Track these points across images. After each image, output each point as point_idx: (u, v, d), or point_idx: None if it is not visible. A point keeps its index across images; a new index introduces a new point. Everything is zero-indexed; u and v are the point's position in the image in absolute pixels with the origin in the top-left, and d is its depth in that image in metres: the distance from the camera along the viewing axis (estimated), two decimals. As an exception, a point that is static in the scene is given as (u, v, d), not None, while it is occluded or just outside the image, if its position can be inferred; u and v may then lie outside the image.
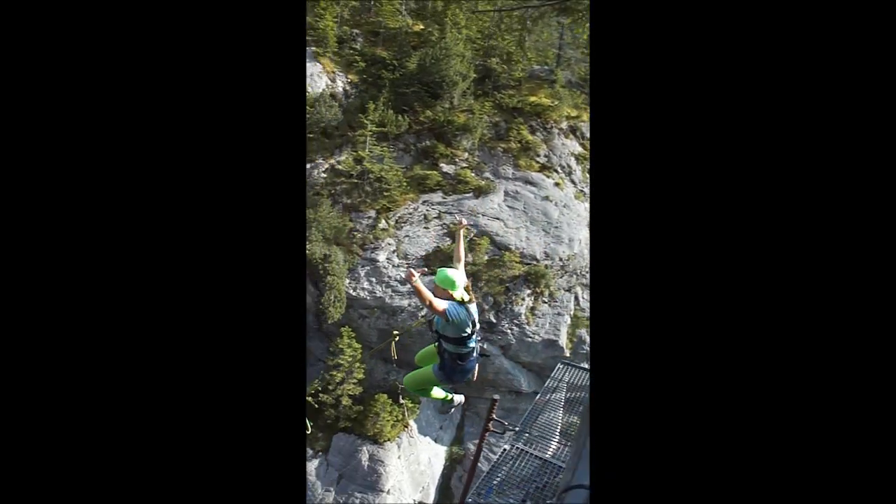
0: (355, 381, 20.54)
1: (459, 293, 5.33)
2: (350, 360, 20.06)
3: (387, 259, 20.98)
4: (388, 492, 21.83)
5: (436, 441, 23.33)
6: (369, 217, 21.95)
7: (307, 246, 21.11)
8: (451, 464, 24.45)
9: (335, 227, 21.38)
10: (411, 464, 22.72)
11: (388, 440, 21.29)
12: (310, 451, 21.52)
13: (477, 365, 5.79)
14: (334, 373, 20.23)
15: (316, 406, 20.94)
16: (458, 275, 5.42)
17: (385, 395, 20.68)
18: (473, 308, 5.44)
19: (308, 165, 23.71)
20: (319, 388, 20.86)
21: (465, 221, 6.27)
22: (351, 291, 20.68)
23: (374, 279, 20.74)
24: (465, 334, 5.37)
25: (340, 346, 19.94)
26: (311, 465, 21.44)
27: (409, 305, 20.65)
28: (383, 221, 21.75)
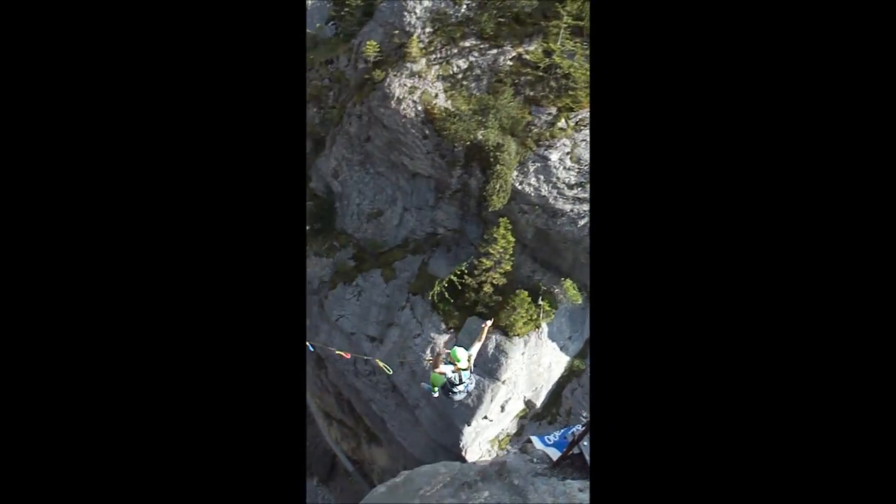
0: (502, 272, 20.95)
1: (461, 363, 8.40)
2: (501, 251, 20.37)
3: (559, 160, 20.51)
4: (503, 382, 22.77)
5: (561, 349, 23.68)
6: (549, 114, 21.32)
7: (482, 131, 21.09)
8: (569, 374, 24.87)
9: (513, 118, 21.04)
10: (532, 363, 23.36)
11: (518, 335, 21.86)
12: (443, 326, 22.72)
13: (466, 393, 8.98)
14: (483, 260, 20.73)
15: (459, 287, 21.79)
16: (463, 353, 8.47)
17: (526, 293, 20.99)
18: (466, 375, 8.56)
19: (494, 51, 23.18)
20: (465, 271, 21.59)
21: (489, 323, 9.31)
22: (517, 185, 20.62)
23: (542, 177, 20.47)
24: (451, 386, 8.59)
25: (495, 235, 20.24)
26: (442, 339, 22.68)
27: (571, 211, 20.32)
28: (563, 120, 21.07)
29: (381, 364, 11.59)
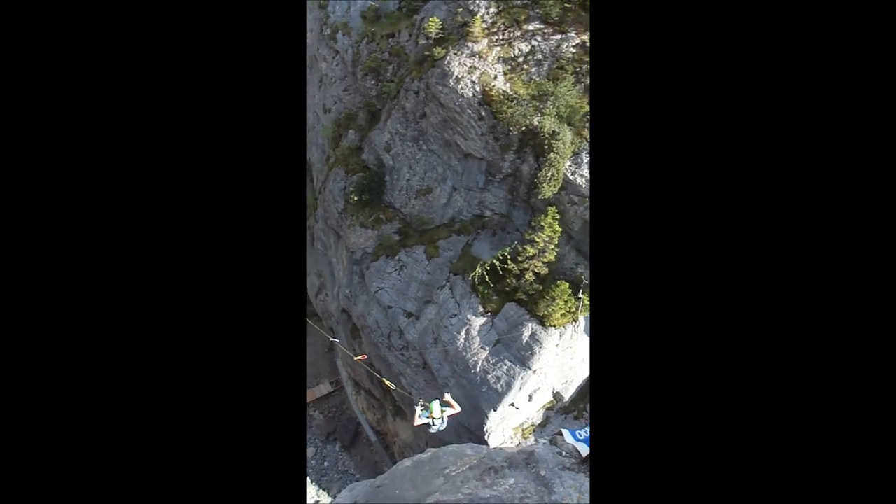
0: (545, 261, 20.79)
1: (435, 414, 11.54)
2: (547, 239, 20.18)
3: (615, 153, 20.09)
4: (534, 371, 22.70)
5: (596, 344, 23.44)
6: (609, 105, 20.85)
7: (538, 117, 20.81)
8: (601, 370, 24.64)
9: (571, 107, 20.68)
10: (565, 356, 23.21)
11: (554, 326, 21.72)
12: (480, 309, 22.75)
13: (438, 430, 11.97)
14: (528, 247, 20.59)
15: (500, 271, 21.74)
16: (437, 407, 11.64)
17: (567, 285, 20.78)
18: (438, 422, 11.62)
19: (557, 37, 22.74)
20: (509, 256, 21.50)
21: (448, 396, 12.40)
22: (569, 175, 20.31)
23: (595, 169, 20.11)
24: (428, 426, 11.70)
25: (542, 223, 20.03)
26: (478, 322, 22.74)
27: (622, 206, 19.96)
28: (623, 114, 20.58)
29: (386, 382, 14.26)
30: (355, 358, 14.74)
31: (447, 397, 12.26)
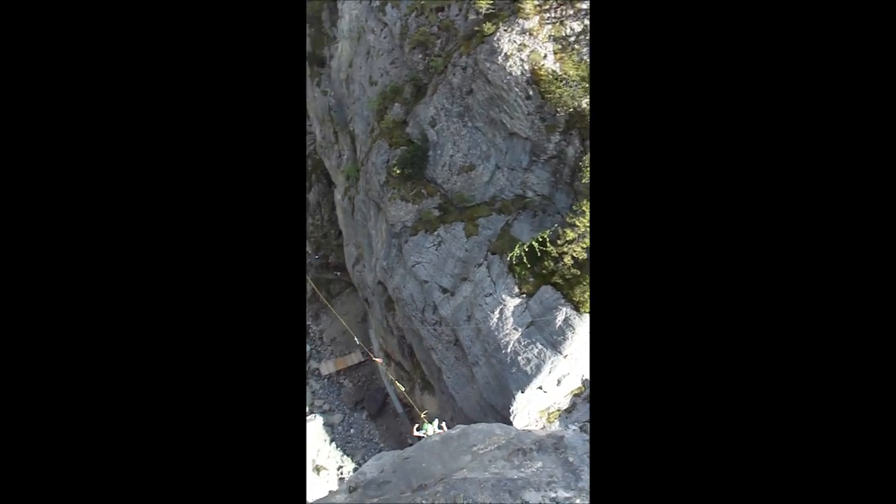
0: (584, 246, 20.52)
1: (429, 432, 14.79)
2: (588, 224, 19.88)
3: (664, 140, 19.59)
4: (565, 356, 22.59)
5: (630, 333, 23.16)
6: (662, 90, 20.28)
7: (587, 99, 20.37)
8: (634, 360, 24.38)
9: (622, 90, 20.16)
10: (598, 343, 23.05)
11: (588, 312, 21.53)
12: (516, 290, 22.68)
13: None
14: (568, 231, 20.35)
15: (538, 253, 21.59)
16: (431, 427, 15.78)
17: (605, 271, 20.52)
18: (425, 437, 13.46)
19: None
20: (548, 238, 21.31)
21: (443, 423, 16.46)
22: (615, 159, 19.92)
23: (643, 156, 19.67)
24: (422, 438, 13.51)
25: (584, 208, 19.75)
26: (513, 303, 22.70)
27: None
28: (676, 100, 20.00)
29: (397, 384, 17.58)
30: (372, 358, 17.80)
31: (443, 424, 16.08)
